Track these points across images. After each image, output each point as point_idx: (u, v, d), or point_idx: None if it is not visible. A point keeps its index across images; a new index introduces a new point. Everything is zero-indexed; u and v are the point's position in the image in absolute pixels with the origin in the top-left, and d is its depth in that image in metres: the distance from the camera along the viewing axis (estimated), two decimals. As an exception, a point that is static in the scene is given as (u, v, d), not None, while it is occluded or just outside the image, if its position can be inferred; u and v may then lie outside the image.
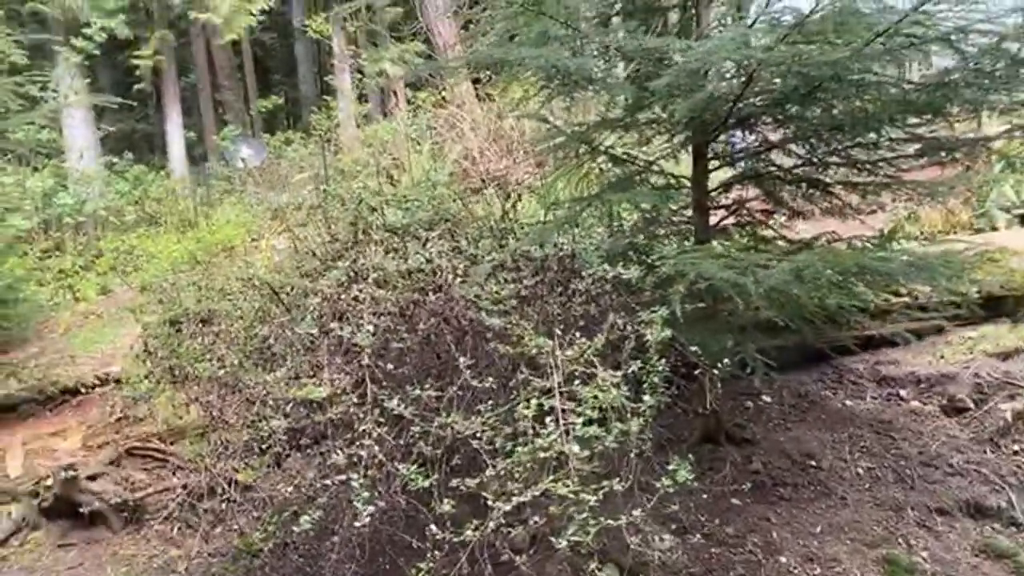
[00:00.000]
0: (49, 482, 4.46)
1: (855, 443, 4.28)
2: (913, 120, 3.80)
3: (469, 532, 2.43)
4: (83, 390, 5.34)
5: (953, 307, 4.52)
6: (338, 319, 3.08)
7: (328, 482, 2.63)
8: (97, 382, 5.39)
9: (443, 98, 10.13)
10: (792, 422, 4.55)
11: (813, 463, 4.17)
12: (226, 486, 3.00)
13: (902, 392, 4.65)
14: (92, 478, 4.50)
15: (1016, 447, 4.09)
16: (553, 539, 2.35)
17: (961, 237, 5.59)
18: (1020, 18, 3.97)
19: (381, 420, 2.69)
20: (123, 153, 11.61)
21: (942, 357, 4.76)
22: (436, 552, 2.57)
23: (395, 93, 12.01)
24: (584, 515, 2.36)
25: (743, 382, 4.34)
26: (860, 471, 4.10)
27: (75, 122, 10.44)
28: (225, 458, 3.02)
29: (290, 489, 2.76)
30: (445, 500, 2.54)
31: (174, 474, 4.45)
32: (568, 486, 2.38)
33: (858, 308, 4.15)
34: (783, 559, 3.60)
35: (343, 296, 3.20)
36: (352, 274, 3.26)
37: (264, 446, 2.83)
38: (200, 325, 3.64)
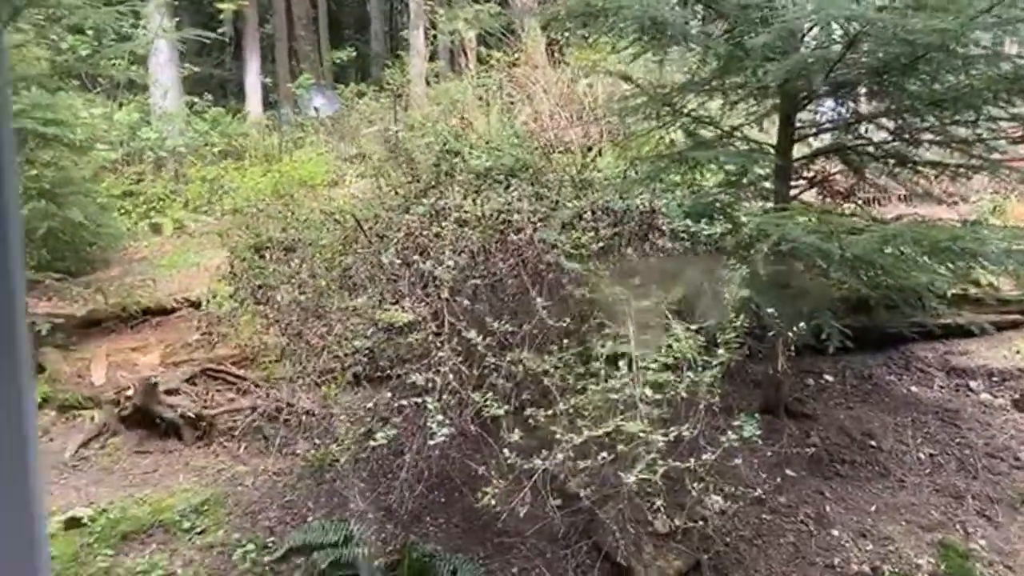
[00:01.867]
0: (130, 392, 4.73)
1: (918, 429, 4.22)
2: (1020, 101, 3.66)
3: (538, 461, 2.52)
4: (169, 308, 5.61)
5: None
6: (420, 253, 3.18)
7: (404, 402, 2.75)
8: (176, 305, 5.66)
9: (516, 59, 10.08)
10: (853, 402, 4.50)
11: (873, 444, 4.13)
12: (306, 403, 3.14)
13: (972, 383, 4.54)
14: (169, 392, 4.76)
15: (1090, 447, 3.97)
16: (622, 474, 2.41)
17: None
18: None
19: (458, 349, 2.78)
20: (202, 95, 11.95)
21: (1018, 352, 4.62)
22: (501, 481, 2.67)
23: (465, 52, 12.00)
24: (652, 455, 2.41)
25: (806, 359, 4.30)
26: (921, 456, 4.05)
27: (161, 60, 10.76)
28: (304, 376, 3.16)
29: (369, 405, 2.89)
30: (515, 430, 2.62)
31: (247, 394, 4.67)
32: (638, 426, 2.44)
33: (935, 294, 4.06)
34: (835, 532, 3.60)
35: (425, 232, 3.29)
36: (434, 212, 3.35)
37: (345, 365, 2.96)
38: (284, 253, 3.78)
